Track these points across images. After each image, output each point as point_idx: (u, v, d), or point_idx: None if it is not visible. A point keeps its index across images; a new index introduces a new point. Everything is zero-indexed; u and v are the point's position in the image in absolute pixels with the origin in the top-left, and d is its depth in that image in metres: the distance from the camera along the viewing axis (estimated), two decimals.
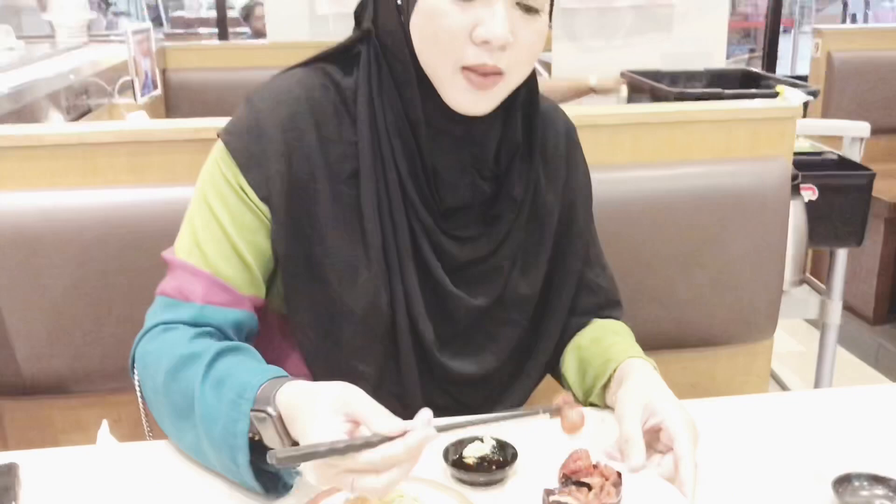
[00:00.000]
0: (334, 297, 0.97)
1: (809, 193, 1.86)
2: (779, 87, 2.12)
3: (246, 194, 0.95)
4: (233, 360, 0.88)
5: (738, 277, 1.48)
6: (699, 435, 0.86)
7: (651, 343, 1.10)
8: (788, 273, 1.66)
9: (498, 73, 0.89)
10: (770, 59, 4.44)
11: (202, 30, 8.81)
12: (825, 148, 2.16)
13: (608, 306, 1.13)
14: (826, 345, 2.09)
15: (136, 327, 0.97)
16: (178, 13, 11.21)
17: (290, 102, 0.96)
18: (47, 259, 1.29)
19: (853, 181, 1.97)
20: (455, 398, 1.04)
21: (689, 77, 2.74)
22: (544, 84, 3.00)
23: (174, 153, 1.34)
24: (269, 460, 0.70)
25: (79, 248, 1.30)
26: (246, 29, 6.26)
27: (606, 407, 0.99)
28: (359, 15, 1.01)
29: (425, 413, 0.74)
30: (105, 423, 0.88)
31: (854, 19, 9.14)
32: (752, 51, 8.70)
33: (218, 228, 0.96)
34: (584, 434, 0.93)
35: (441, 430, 0.75)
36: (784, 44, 5.75)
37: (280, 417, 0.78)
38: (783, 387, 2.65)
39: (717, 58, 4.06)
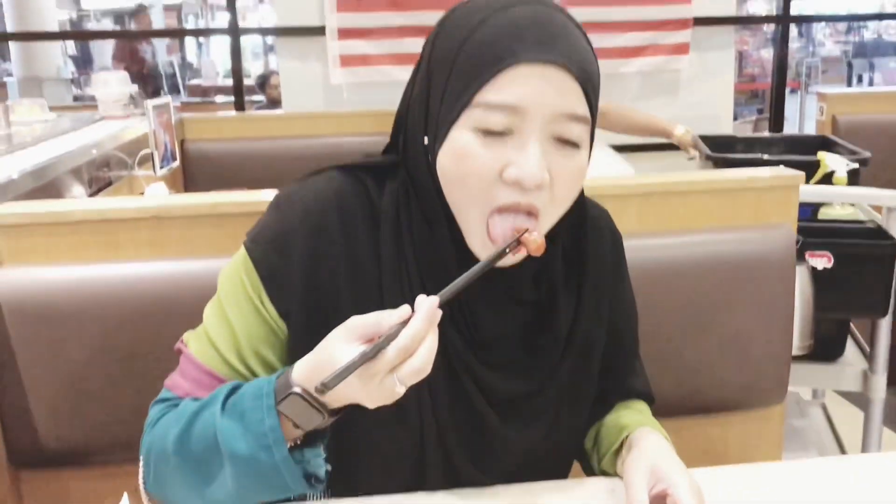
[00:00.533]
0: (352, 428, 0.90)
1: (824, 261, 1.85)
2: (820, 155, 2.11)
3: (265, 307, 0.92)
4: (243, 389, 0.86)
5: (746, 344, 1.49)
6: (704, 501, 0.87)
7: (661, 410, 1.12)
8: (796, 339, 1.66)
9: (532, 214, 0.84)
10: (777, 121, 4.50)
11: (219, 98, 9.02)
12: (875, 215, 2.06)
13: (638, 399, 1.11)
14: (871, 419, 1.99)
15: (153, 399, 0.98)
16: (195, 81, 11.49)
17: (321, 212, 0.91)
18: (69, 332, 1.32)
19: (872, 250, 1.89)
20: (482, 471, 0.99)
21: (767, 143, 2.69)
22: (619, 111, 2.93)
23: (193, 228, 1.38)
24: (320, 387, 0.72)
25: (100, 321, 1.33)
26: (262, 97, 6.41)
27: (617, 475, 1.00)
28: (394, 138, 0.96)
29: (422, 296, 0.75)
30: (126, 496, 0.90)
31: (860, 80, 9.25)
32: (759, 111, 8.80)
33: (231, 334, 0.92)
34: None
35: (442, 297, 0.76)
36: (791, 105, 5.83)
37: (305, 390, 0.78)
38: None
39: (724, 120, 4.13)
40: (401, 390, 0.75)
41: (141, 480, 0.93)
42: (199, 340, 0.96)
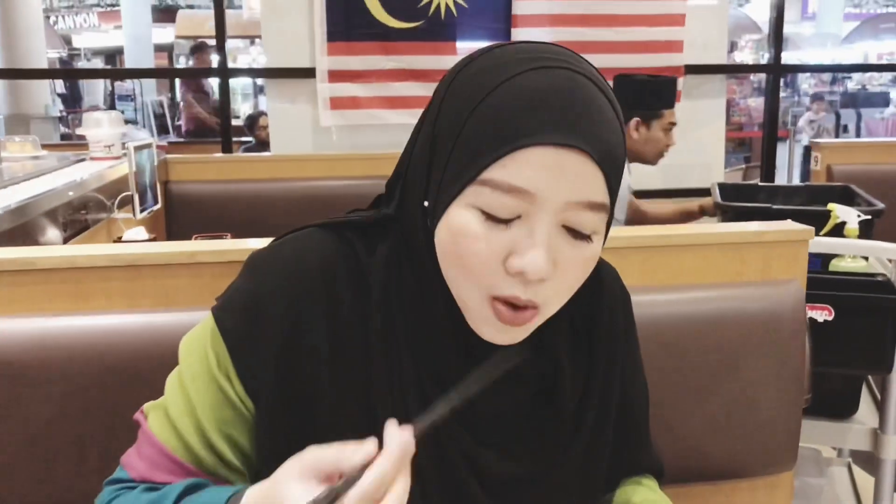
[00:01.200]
0: None
1: (824, 314, 1.80)
2: (830, 206, 2.05)
3: (232, 384, 0.82)
4: (199, 497, 0.78)
5: (754, 405, 1.41)
6: None
7: (666, 477, 1.03)
8: None
9: (532, 308, 0.75)
10: (768, 170, 4.48)
11: (208, 138, 9.00)
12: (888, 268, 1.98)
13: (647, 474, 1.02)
14: (882, 482, 1.89)
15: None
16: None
17: (299, 275, 0.81)
18: (32, 389, 1.23)
19: (876, 303, 1.82)
20: None
21: (789, 193, 2.66)
22: (652, 210, 3.01)
23: (169, 277, 1.30)
24: None
25: (66, 377, 1.24)
26: (250, 138, 6.37)
27: None
28: (389, 189, 0.86)
29: (392, 423, 0.66)
30: None
31: (846, 130, 9.33)
32: (746, 160, 8.82)
33: (191, 414, 0.82)
34: None
35: (418, 430, 0.67)
36: (779, 154, 5.82)
37: None
38: None
39: (716, 169, 4.10)
40: None
41: None
42: (158, 416, 0.85)
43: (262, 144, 5.66)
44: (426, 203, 0.79)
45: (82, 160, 2.73)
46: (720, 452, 1.43)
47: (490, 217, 0.73)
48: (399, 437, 0.65)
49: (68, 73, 11.71)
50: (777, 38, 4.29)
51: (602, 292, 0.92)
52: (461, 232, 0.73)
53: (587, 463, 0.90)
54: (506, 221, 0.73)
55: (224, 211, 3.05)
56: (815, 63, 12.28)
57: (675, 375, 1.39)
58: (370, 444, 0.65)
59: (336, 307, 0.82)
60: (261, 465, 0.82)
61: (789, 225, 1.48)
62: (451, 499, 0.83)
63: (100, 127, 2.87)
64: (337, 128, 3.75)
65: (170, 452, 0.83)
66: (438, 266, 0.79)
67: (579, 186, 0.72)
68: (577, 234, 0.74)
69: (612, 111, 0.75)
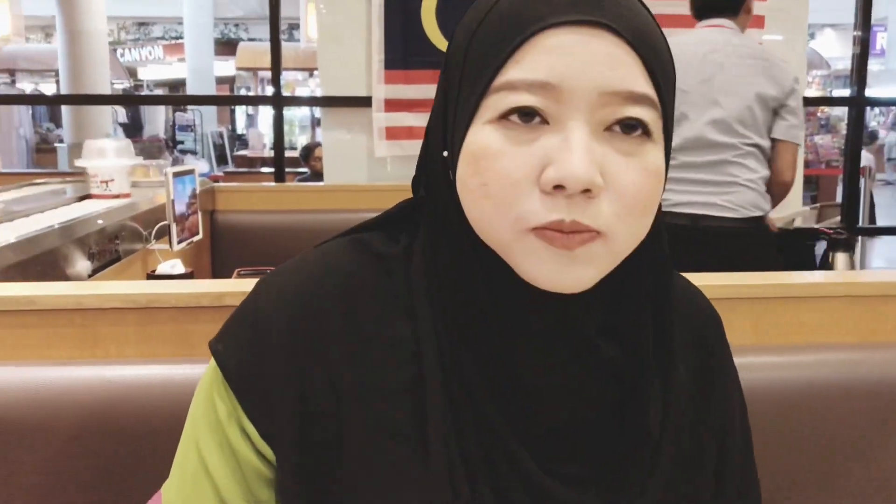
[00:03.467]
0: None
1: None
2: None
3: (246, 433, 0.67)
4: None
5: (891, 499, 1.16)
6: None
7: None
8: None
9: (588, 231, 0.59)
10: (850, 213, 4.17)
11: (264, 169, 9.04)
12: None
13: None
14: None
15: None
16: (242, 152, 11.57)
17: (310, 296, 0.68)
18: (25, 450, 1.05)
19: None
20: None
21: None
22: None
23: (191, 322, 1.11)
24: None
25: (68, 437, 1.05)
26: (306, 169, 6.30)
27: None
28: (416, 183, 0.74)
29: None
30: None
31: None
32: (813, 199, 8.44)
33: (210, 488, 0.67)
34: None
35: None
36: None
37: None
38: None
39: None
40: None
41: None
42: (175, 499, 0.70)
43: (317, 175, 5.60)
44: (445, 154, 0.65)
45: (85, 197, 2.33)
46: None
47: (511, 126, 0.60)
48: None
49: (128, 99, 11.89)
50: (861, 70, 4.06)
51: (686, 313, 0.75)
52: (482, 154, 0.60)
53: (675, 496, 0.70)
54: (531, 130, 0.59)
55: (273, 243, 2.90)
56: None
57: (790, 458, 1.14)
58: None
59: (357, 319, 0.67)
60: None
61: None
62: None
63: (103, 157, 2.34)
64: (392, 158, 3.69)
65: None
66: (467, 223, 0.63)
67: (612, 72, 0.58)
68: (624, 137, 0.60)
69: (638, 2, 0.63)
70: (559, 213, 0.58)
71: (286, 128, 4.14)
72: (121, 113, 11.96)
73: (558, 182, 0.57)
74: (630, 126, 0.59)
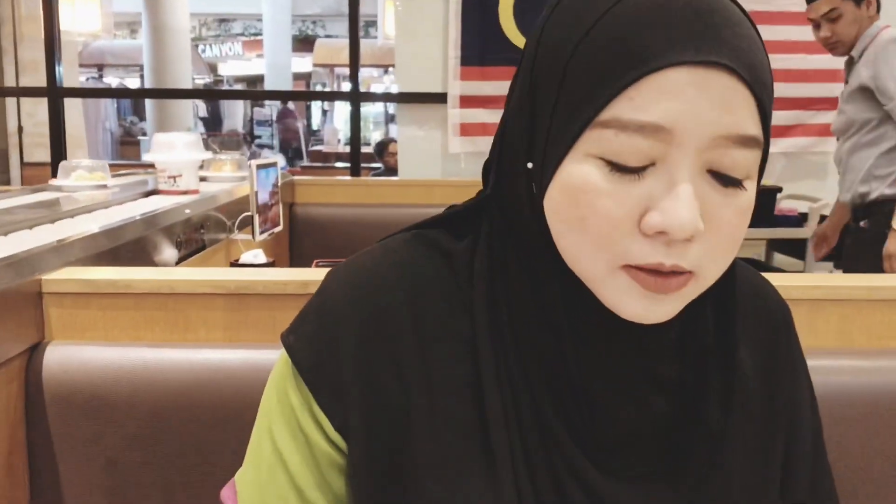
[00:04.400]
0: None
1: None
2: None
3: (319, 423, 0.68)
4: None
5: None
6: None
7: None
8: None
9: (681, 273, 0.60)
10: None
11: (338, 164, 9.16)
12: None
13: None
14: None
15: None
16: (317, 147, 11.76)
17: (377, 290, 0.68)
18: (116, 426, 1.09)
19: None
20: None
21: None
22: None
23: (278, 309, 1.14)
24: None
25: (155, 414, 1.10)
26: (380, 164, 6.37)
27: None
28: (485, 174, 0.73)
29: None
30: None
31: None
32: None
33: (284, 475, 0.69)
34: None
35: None
36: None
37: None
38: None
39: None
40: None
41: None
42: (249, 488, 0.71)
43: (391, 171, 5.64)
44: (529, 165, 0.63)
45: (151, 193, 2.26)
46: None
47: (617, 167, 0.58)
48: None
49: (208, 93, 12.20)
50: None
51: (751, 306, 0.74)
52: (582, 188, 0.59)
53: (739, 494, 0.70)
54: (637, 171, 0.58)
55: (349, 235, 2.94)
56: None
57: (878, 464, 1.11)
58: None
59: (424, 314, 0.68)
60: None
61: None
62: None
63: (171, 151, 2.20)
64: (466, 154, 3.70)
65: None
66: (551, 242, 0.63)
67: (727, 115, 0.57)
68: (726, 179, 0.59)
69: (751, 26, 0.60)
70: (659, 257, 0.58)
71: (360, 124, 4.19)
72: (201, 108, 12.28)
73: (663, 230, 0.57)
74: (732, 176, 0.59)
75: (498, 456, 0.65)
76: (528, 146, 0.64)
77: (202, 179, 2.48)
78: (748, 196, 0.60)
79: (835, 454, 1.07)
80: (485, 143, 3.80)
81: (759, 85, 0.58)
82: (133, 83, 13.43)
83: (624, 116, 0.56)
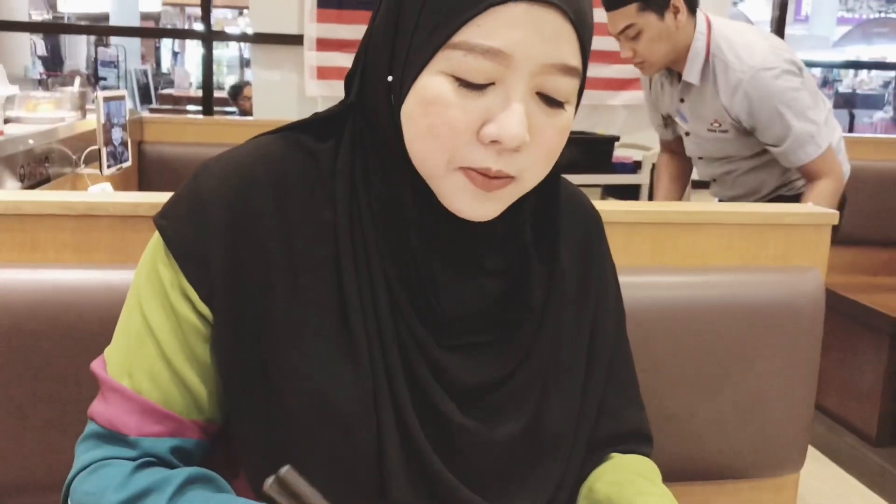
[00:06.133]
0: (294, 426, 0.75)
1: None
2: None
3: (187, 296, 0.76)
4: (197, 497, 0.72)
5: (764, 401, 1.30)
6: None
7: (665, 474, 0.91)
8: None
9: (507, 177, 0.72)
10: None
11: (190, 107, 8.83)
12: None
13: (632, 439, 0.93)
14: None
15: (69, 433, 0.83)
16: (168, 91, 11.27)
17: (245, 177, 0.76)
18: None
19: None
20: None
21: None
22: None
23: (128, 231, 1.16)
24: None
25: (7, 335, 1.10)
26: (234, 109, 6.23)
27: None
28: (348, 84, 0.82)
29: None
30: None
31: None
32: None
33: (153, 345, 0.76)
34: None
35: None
36: None
37: None
38: None
39: None
40: None
41: None
42: (118, 357, 0.78)
43: (246, 115, 5.54)
44: (390, 78, 0.73)
45: None
46: (725, 450, 1.31)
47: (464, 83, 0.69)
48: None
49: (47, 27, 11.38)
50: (779, 34, 4.23)
51: (567, 212, 0.87)
52: (434, 100, 0.69)
53: (558, 360, 0.85)
54: (480, 87, 0.69)
55: None
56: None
57: (682, 364, 1.27)
58: None
59: (287, 201, 0.77)
60: (222, 381, 0.77)
61: (812, 208, 1.37)
62: (422, 411, 0.77)
63: None
64: (323, 98, 3.68)
65: (135, 394, 0.76)
66: (404, 146, 0.74)
67: (555, 47, 0.69)
68: (550, 100, 0.71)
69: None
70: (489, 163, 0.70)
71: (214, 68, 4.09)
72: (39, 46, 11.48)
73: (497, 139, 0.68)
74: (555, 99, 0.71)
75: (354, 328, 0.75)
76: (390, 61, 0.73)
77: (7, 121, 2.16)
78: (567, 117, 0.73)
79: (647, 354, 1.23)
80: (342, 88, 3.81)
81: (582, 25, 0.70)
82: None
83: (472, 40, 0.67)
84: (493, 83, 0.69)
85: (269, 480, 0.63)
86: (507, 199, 0.74)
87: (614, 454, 0.91)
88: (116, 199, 1.17)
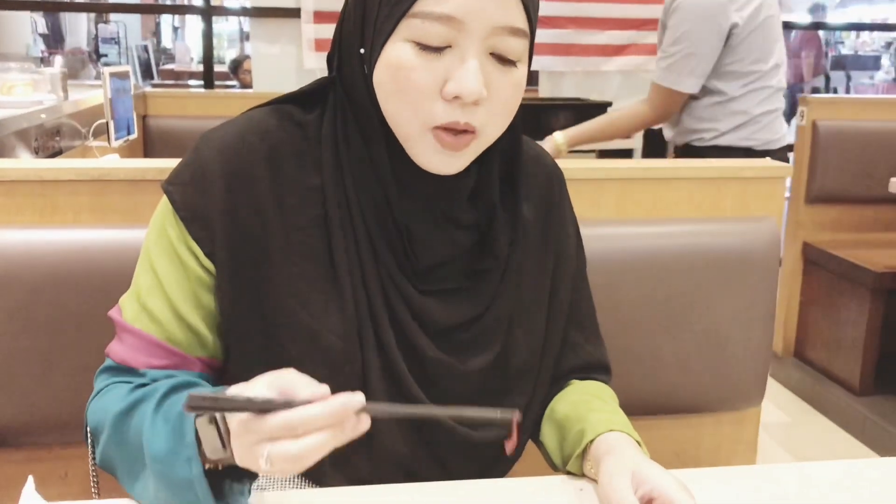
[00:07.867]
0: (288, 362, 0.82)
1: None
2: None
3: (192, 252, 0.87)
4: (179, 396, 0.81)
5: (724, 342, 1.42)
6: (694, 497, 0.78)
7: (632, 409, 1.03)
8: None
9: (471, 132, 0.82)
10: None
11: (191, 82, 8.89)
12: None
13: (593, 370, 1.04)
14: None
15: (89, 377, 0.92)
16: (169, 66, 11.31)
17: (240, 148, 0.87)
18: None
19: None
20: (442, 465, 0.94)
21: None
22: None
23: (138, 194, 1.28)
24: (183, 403, 0.66)
25: (30, 289, 1.22)
26: (234, 82, 6.29)
27: (584, 476, 0.92)
28: (329, 60, 0.93)
29: (346, 394, 0.68)
30: (31, 480, 0.80)
31: (835, 92, 9.27)
32: None
33: (163, 294, 0.88)
34: None
35: (374, 414, 0.70)
36: None
37: (224, 419, 0.71)
38: None
39: None
40: (265, 466, 0.67)
41: (90, 450, 0.91)
42: (132, 304, 0.90)
43: (246, 88, 5.60)
44: (362, 51, 0.84)
45: None
46: (689, 387, 1.44)
47: (424, 47, 0.79)
48: (342, 400, 0.67)
49: (49, 5, 11.45)
50: None
51: (530, 169, 0.97)
52: (398, 65, 0.80)
53: (524, 300, 0.96)
54: (438, 50, 0.79)
55: None
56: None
57: (647, 309, 1.39)
58: (325, 388, 0.69)
59: (279, 167, 0.87)
60: (224, 325, 0.88)
61: (767, 162, 1.48)
62: (402, 347, 0.89)
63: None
64: (321, 70, 3.70)
65: (146, 334, 0.88)
66: (380, 111, 0.84)
67: (503, 13, 0.79)
68: (503, 59, 0.81)
69: None
70: (456, 116, 0.80)
71: (214, 42, 4.15)
72: (40, 24, 11.52)
73: (457, 94, 0.78)
74: (507, 57, 0.81)
75: (340, 277, 0.87)
76: (361, 35, 0.84)
77: None
78: (520, 74, 0.83)
79: (615, 300, 1.35)
80: None
81: None
82: None
83: (427, 9, 0.78)
84: (449, 46, 0.79)
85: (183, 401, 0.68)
86: (470, 154, 0.85)
87: (574, 380, 1.03)
88: (127, 166, 1.29)
